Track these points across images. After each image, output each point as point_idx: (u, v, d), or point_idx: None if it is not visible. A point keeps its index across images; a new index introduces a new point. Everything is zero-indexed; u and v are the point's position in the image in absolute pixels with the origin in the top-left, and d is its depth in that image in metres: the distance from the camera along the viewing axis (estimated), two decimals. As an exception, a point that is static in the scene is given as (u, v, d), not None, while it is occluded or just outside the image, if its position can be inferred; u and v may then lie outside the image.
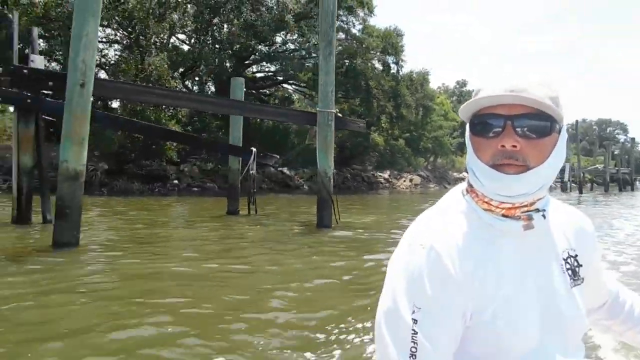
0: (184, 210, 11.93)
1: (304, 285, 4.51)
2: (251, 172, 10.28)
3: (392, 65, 24.33)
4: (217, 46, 22.55)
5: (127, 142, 19.05)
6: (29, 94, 7.58)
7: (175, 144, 20.49)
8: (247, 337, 3.10)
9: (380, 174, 29.59)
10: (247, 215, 10.30)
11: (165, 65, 19.75)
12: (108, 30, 20.99)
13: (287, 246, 6.74)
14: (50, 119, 8.34)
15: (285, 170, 26.25)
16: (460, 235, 0.85)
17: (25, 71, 6.53)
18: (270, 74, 27.99)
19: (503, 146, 0.82)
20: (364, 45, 23.99)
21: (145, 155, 20.18)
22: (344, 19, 24.43)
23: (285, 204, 15.30)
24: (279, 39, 24.87)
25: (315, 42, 25.04)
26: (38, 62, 8.23)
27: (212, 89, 25.67)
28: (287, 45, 25.39)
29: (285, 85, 29.09)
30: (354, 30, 25.06)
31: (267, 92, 27.21)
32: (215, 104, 9.21)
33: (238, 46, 22.91)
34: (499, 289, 0.84)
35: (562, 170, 32.41)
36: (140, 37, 19.89)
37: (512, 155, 0.82)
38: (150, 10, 18.70)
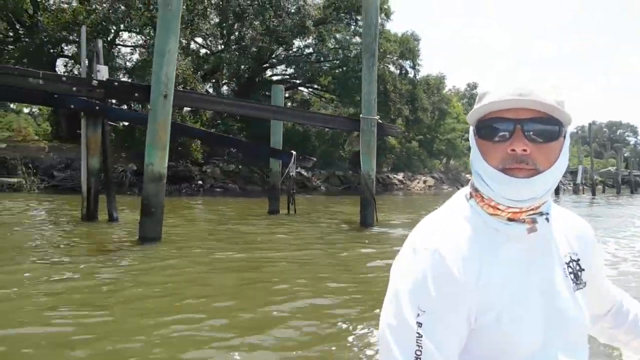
0: (228, 210, 12.62)
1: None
2: (291, 174, 10.98)
3: (409, 70, 25.02)
4: (238, 51, 23.32)
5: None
6: (97, 102, 8.35)
7: (200, 146, 21.33)
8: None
9: (394, 175, 30.28)
10: (287, 215, 11.00)
11: (191, 70, 20.55)
12: (136, 37, 21.76)
13: (343, 242, 7.45)
14: (113, 124, 9.08)
15: (302, 171, 27.00)
16: (464, 238, 0.87)
17: (116, 84, 7.24)
18: (286, 76, 28.76)
19: (513, 150, 0.83)
20: (380, 50, 24.70)
21: (171, 157, 20.95)
22: (361, 24, 25.13)
23: (313, 204, 15.98)
24: (297, 43, 25.64)
25: (332, 47, 25.78)
26: (103, 71, 8.95)
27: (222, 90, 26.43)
28: (304, 49, 26.17)
29: (300, 88, 29.88)
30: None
31: (286, 95, 27.95)
32: (271, 111, 9.99)
33: (256, 50, 23.68)
34: (503, 291, 0.85)
35: (575, 173, 32.94)
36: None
37: (523, 160, 0.83)
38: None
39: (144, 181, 6.61)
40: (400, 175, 30.74)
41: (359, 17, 24.72)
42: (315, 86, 27.62)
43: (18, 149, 18.33)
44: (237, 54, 23.16)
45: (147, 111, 7.10)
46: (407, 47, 24.15)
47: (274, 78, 28.73)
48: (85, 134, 8.67)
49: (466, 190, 0.95)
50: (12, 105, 36.72)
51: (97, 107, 8.49)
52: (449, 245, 0.85)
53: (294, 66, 26.71)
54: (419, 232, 0.91)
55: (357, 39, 25.95)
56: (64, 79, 7.29)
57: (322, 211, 12.65)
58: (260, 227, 9.01)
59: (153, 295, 4.13)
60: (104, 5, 18.98)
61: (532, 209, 0.87)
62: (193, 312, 3.63)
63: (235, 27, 22.05)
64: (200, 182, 21.72)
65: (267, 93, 26.47)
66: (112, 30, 20.77)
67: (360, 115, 9.37)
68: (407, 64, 24.97)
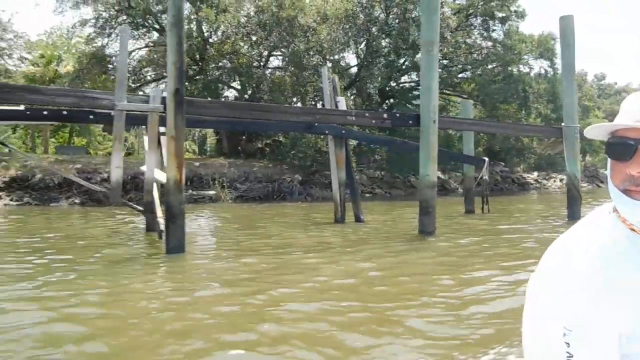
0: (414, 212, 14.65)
1: None
2: (484, 177, 12.78)
3: (548, 69, 25.73)
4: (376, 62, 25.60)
5: (317, 156, 22.63)
6: (343, 127, 10.81)
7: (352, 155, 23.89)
8: None
9: (528, 175, 30.81)
10: (482, 214, 12.78)
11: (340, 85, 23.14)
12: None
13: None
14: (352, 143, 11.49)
15: (440, 174, 28.64)
16: (610, 252, 0.83)
17: (397, 115, 9.60)
18: (412, 84, 30.53)
19: (631, 174, 0.81)
20: (515, 52, 25.68)
21: (325, 166, 23.68)
22: (496, 28, 26.23)
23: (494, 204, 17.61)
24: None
25: (465, 52, 27.12)
26: (342, 103, 11.43)
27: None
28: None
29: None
30: (502, 38, 26.81)
31: (415, 102, 29.73)
32: (469, 124, 11.95)
33: (391, 60, 25.78)
34: None
35: None
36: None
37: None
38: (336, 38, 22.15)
39: (420, 188, 8.80)
40: (534, 175, 31.18)
41: (492, 23, 25.93)
42: (446, 91, 29.09)
43: (207, 166, 22.02)
44: (377, 63, 25.41)
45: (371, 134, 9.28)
46: (546, 47, 24.89)
47: (404, 86, 30.67)
48: (334, 152, 11.17)
49: (611, 204, 0.91)
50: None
51: (343, 132, 10.98)
52: (595, 258, 0.82)
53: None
54: (562, 243, 0.89)
55: (488, 43, 27.14)
56: (367, 114, 9.79)
57: (510, 210, 14.28)
58: (482, 223, 10.93)
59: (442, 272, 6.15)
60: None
61: None
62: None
63: (383, 43, 24.26)
64: (353, 188, 24.25)
65: (402, 102, 28.52)
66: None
67: (563, 124, 10.95)
68: (545, 63, 25.69)
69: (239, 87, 28.28)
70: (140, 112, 7.00)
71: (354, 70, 27.84)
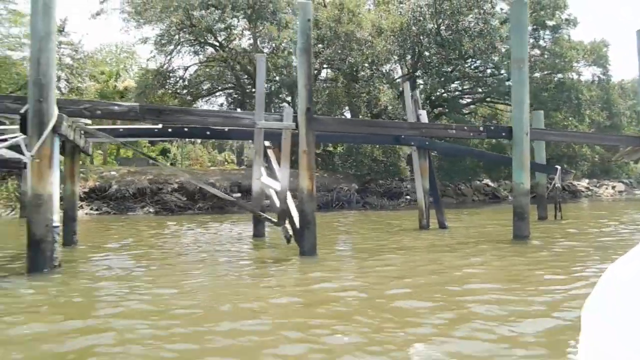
0: (498, 218, 15.24)
1: None
2: (557, 185, 13.32)
3: (601, 76, 26.00)
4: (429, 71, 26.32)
5: (373, 165, 23.45)
6: (426, 138, 11.57)
7: (406, 164, 24.60)
8: None
9: (579, 182, 30.89)
10: (555, 220, 13.32)
11: (391, 95, 23.96)
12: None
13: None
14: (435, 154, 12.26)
15: (490, 182, 29.04)
16: None
17: (492, 128, 10.34)
18: (457, 93, 31.10)
19: None
20: (566, 59, 26.03)
21: (381, 175, 24.47)
22: (546, 36, 26.65)
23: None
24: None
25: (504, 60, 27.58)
26: (424, 116, 12.22)
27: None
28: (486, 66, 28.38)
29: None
30: (550, 45, 27.21)
31: (467, 111, 30.28)
32: (557, 135, 12.63)
33: (444, 69, 26.45)
34: None
35: None
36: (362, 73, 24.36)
37: None
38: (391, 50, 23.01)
39: (515, 195, 9.47)
40: (585, 182, 31.25)
41: (543, 32, 26.38)
42: (495, 100, 29.55)
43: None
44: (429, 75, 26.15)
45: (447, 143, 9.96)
46: (599, 55, 25.20)
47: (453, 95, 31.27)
48: (418, 162, 11.94)
49: None
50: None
51: (427, 143, 11.76)
52: None
53: (472, 82, 29.04)
54: (627, 262, 0.71)
55: (536, 51, 27.55)
56: (465, 128, 10.64)
57: (583, 215, 14.77)
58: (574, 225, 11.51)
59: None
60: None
61: None
62: None
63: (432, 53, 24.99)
64: (408, 196, 24.91)
65: (452, 111, 29.12)
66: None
67: (642, 133, 11.47)
68: (598, 70, 25.97)
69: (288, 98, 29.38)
70: (276, 129, 7.92)
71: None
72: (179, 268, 6.82)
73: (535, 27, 25.61)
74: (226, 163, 43.75)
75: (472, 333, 3.66)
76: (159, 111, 7.35)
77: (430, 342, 3.49)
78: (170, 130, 9.34)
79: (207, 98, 31.75)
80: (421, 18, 23.75)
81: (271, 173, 9.58)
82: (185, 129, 9.34)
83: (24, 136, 7.13)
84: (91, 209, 19.45)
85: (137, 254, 8.35)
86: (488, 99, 29.69)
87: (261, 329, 3.89)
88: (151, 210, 19.94)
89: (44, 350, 3.38)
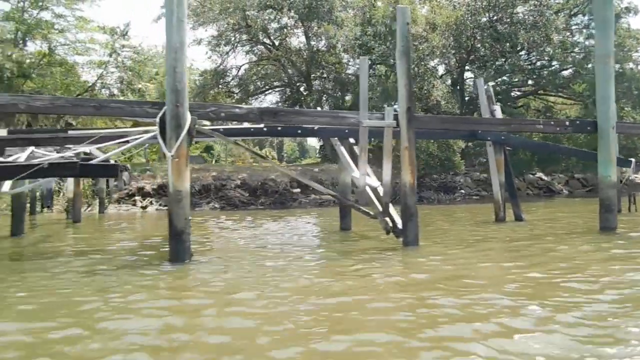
0: (555, 212, 15.41)
1: None
2: (630, 177, 13.41)
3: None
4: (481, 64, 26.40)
5: (429, 160, 23.78)
6: (502, 133, 11.89)
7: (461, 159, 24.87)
8: None
9: (636, 176, 30.34)
10: (629, 212, 13.43)
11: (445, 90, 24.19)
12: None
13: None
14: (509, 149, 12.59)
15: (543, 176, 28.88)
16: None
17: (567, 123, 10.63)
18: (504, 87, 30.95)
19: None
20: (625, 49, 25.64)
21: (436, 170, 24.77)
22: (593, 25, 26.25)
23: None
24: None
25: (575, 54, 27.31)
26: (498, 111, 12.55)
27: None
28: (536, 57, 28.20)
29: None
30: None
31: (518, 103, 30.16)
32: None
33: (497, 62, 26.46)
34: None
35: None
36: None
37: None
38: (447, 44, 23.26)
39: (602, 187, 9.73)
40: (642, 175, 30.66)
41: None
42: (549, 93, 29.32)
43: (325, 172, 23.69)
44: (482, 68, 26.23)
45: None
46: (660, 43, 24.76)
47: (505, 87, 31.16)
48: (494, 157, 12.28)
49: None
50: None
51: (502, 138, 12.08)
52: None
53: (524, 75, 28.89)
54: None
55: (586, 41, 27.21)
56: (552, 122, 11.04)
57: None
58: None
59: None
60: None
61: None
62: None
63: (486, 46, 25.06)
64: (462, 191, 25.12)
65: (504, 103, 29.06)
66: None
67: None
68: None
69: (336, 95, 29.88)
70: (378, 127, 8.46)
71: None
72: (304, 261, 7.41)
73: (592, 17, 25.29)
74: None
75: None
76: (275, 113, 7.99)
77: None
78: (265, 129, 10.01)
79: (257, 96, 32.63)
80: (475, 12, 23.87)
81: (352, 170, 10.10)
82: (279, 128, 10.00)
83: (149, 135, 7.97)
84: (160, 205, 20.47)
85: (255, 248, 9.06)
86: (540, 92, 29.50)
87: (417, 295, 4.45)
88: (217, 205, 20.84)
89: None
